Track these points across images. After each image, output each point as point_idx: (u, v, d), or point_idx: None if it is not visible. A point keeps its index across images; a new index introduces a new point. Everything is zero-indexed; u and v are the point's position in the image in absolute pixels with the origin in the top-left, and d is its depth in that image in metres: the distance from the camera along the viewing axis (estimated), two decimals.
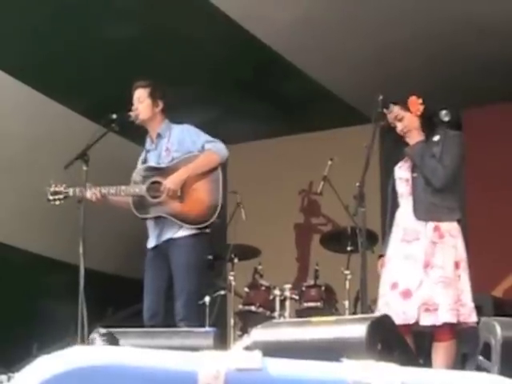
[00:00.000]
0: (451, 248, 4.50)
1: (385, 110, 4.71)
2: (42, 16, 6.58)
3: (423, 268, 4.45)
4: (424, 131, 4.70)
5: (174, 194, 5.21)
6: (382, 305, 4.50)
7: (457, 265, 4.48)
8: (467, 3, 6.62)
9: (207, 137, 5.36)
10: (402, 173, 4.75)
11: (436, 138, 4.65)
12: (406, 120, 4.69)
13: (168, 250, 5.24)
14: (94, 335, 3.22)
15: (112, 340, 3.18)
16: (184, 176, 5.23)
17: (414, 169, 4.64)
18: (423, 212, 4.55)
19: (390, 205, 4.81)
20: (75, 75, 7.27)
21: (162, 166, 5.33)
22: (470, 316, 4.44)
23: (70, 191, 5.30)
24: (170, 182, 5.22)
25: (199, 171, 5.26)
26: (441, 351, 4.45)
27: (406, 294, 4.44)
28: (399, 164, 4.81)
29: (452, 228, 4.55)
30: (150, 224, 5.35)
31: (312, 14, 6.80)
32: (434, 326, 4.43)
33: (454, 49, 7.30)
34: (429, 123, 4.71)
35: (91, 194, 5.20)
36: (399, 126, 4.71)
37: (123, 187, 5.29)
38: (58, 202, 5.36)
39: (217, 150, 5.31)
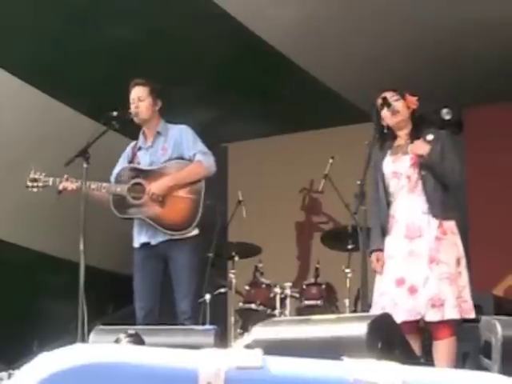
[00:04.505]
0: (453, 245, 4.54)
1: (386, 109, 4.73)
2: (46, 19, 6.59)
3: (428, 264, 4.45)
4: (414, 127, 4.75)
5: (157, 198, 5.22)
6: (388, 301, 4.48)
7: (458, 261, 4.52)
8: (469, 5, 6.62)
9: (202, 147, 5.34)
10: (400, 168, 4.71)
11: (430, 137, 4.68)
12: (401, 104, 4.73)
13: (167, 252, 5.25)
14: (121, 336, 3.19)
15: (138, 341, 3.17)
16: (170, 184, 5.24)
17: (422, 167, 4.63)
18: (438, 210, 4.56)
19: (380, 198, 4.72)
20: (79, 76, 7.28)
21: (148, 168, 5.35)
22: (470, 313, 4.47)
23: (50, 181, 5.32)
24: (156, 188, 5.23)
25: (185, 181, 5.27)
26: (443, 349, 4.44)
27: (413, 290, 4.44)
28: (389, 158, 4.77)
29: (452, 226, 4.59)
30: (138, 223, 5.35)
31: (315, 14, 6.80)
32: (433, 324, 4.43)
33: (456, 49, 7.29)
34: (417, 123, 4.76)
35: (71, 186, 5.21)
36: (397, 106, 4.72)
37: (105, 184, 5.29)
38: (35, 190, 5.36)
39: (207, 164, 5.29)
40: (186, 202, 5.26)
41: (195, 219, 5.20)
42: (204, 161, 5.28)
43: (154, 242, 5.28)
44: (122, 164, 5.48)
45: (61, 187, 5.23)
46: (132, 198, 5.26)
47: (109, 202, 5.30)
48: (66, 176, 5.24)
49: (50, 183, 5.31)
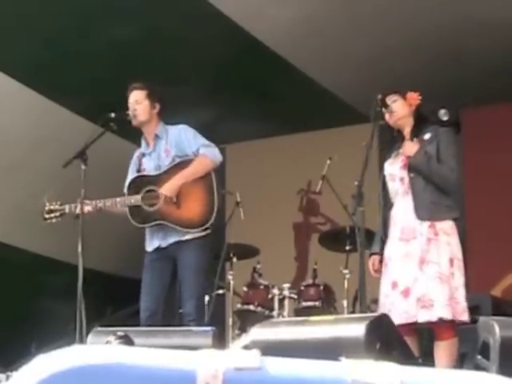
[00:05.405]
0: (445, 245, 4.50)
1: (383, 110, 4.72)
2: (44, 21, 6.59)
3: (418, 265, 4.45)
4: (415, 125, 4.74)
5: (171, 200, 5.22)
6: (389, 304, 4.48)
7: (451, 262, 4.48)
8: (467, 5, 6.62)
9: (203, 140, 5.34)
10: (395, 170, 4.73)
11: (427, 136, 4.67)
12: (399, 104, 4.72)
13: (176, 252, 5.25)
14: (110, 338, 3.19)
15: (128, 343, 3.17)
16: (179, 183, 5.23)
17: (410, 169, 4.63)
18: (425, 211, 4.54)
19: (381, 203, 4.79)
20: (77, 78, 7.28)
21: (155, 173, 5.34)
22: (462, 314, 4.43)
23: (66, 208, 5.32)
24: (166, 190, 5.22)
25: (194, 177, 5.25)
26: (443, 350, 4.43)
27: (407, 293, 4.44)
28: (389, 160, 4.80)
29: (446, 226, 4.55)
30: (149, 228, 5.35)
31: (312, 15, 6.80)
32: (435, 324, 4.42)
33: (454, 50, 7.30)
34: (419, 121, 4.74)
35: (87, 209, 5.21)
36: (394, 107, 4.71)
37: (118, 199, 5.29)
38: (54, 220, 5.38)
39: (211, 155, 5.29)
40: (201, 197, 5.26)
41: (212, 213, 5.20)
42: (208, 153, 5.29)
43: (164, 244, 5.28)
44: (132, 173, 5.49)
45: (78, 211, 5.22)
46: (148, 206, 5.26)
47: (125, 214, 5.31)
48: (79, 200, 5.20)
49: (67, 210, 5.32)
